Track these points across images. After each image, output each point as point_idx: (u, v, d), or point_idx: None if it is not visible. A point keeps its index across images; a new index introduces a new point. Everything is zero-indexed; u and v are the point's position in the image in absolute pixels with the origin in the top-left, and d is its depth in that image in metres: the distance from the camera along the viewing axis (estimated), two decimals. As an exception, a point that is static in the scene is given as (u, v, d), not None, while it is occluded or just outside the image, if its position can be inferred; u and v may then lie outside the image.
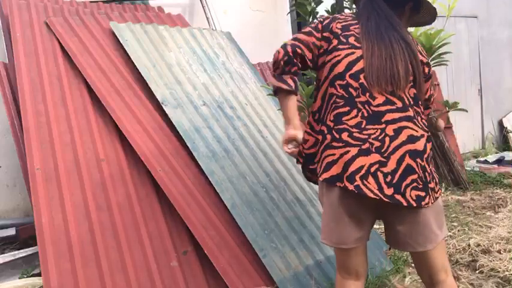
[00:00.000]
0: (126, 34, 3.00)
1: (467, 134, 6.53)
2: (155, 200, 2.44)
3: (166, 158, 2.52)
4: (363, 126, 1.39)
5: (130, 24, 3.10)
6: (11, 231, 3.01)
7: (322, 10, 2.76)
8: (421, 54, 1.53)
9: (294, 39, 1.58)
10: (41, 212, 2.12)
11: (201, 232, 2.28)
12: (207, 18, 4.23)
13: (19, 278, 2.49)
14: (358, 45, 1.46)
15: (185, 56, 3.16)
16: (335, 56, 1.47)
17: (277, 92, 1.62)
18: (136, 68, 2.85)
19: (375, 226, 3.37)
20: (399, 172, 1.35)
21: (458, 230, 3.29)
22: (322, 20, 1.58)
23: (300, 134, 1.61)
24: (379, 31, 1.45)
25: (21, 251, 2.73)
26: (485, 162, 5.76)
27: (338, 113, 1.43)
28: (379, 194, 1.35)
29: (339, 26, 1.51)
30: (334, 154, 1.41)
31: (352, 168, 1.36)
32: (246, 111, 3.10)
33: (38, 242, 2.04)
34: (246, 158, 2.76)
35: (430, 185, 1.39)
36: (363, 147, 1.37)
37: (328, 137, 1.44)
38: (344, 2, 2.77)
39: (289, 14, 4.65)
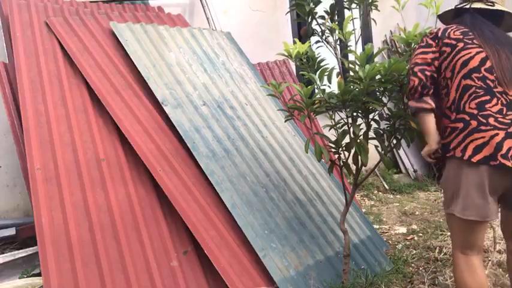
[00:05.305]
0: (126, 34, 3.00)
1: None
2: (155, 200, 2.44)
3: (166, 158, 2.52)
4: (504, 112, 1.65)
5: (130, 24, 3.10)
6: (11, 231, 3.01)
7: (321, 10, 2.76)
8: None
9: (417, 64, 1.83)
10: (41, 212, 2.12)
11: (201, 232, 2.28)
12: (207, 18, 4.23)
13: (19, 278, 2.49)
14: (482, 48, 1.73)
15: (185, 56, 3.17)
16: (466, 54, 1.73)
17: (416, 113, 1.85)
18: (136, 68, 2.85)
19: (375, 226, 3.38)
20: None
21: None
22: (431, 35, 1.85)
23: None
24: (498, 39, 1.76)
25: (21, 251, 2.72)
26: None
27: (480, 101, 1.68)
28: None
29: (457, 33, 1.79)
30: (483, 137, 1.64)
31: (505, 148, 1.61)
32: (246, 111, 3.10)
33: (38, 242, 2.04)
34: (246, 158, 2.76)
35: None
36: (509, 130, 1.63)
37: (474, 122, 1.67)
38: (343, 3, 2.76)
39: (289, 14, 4.65)
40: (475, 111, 1.68)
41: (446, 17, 2.05)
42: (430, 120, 1.82)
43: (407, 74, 1.96)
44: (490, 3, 1.87)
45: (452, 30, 1.82)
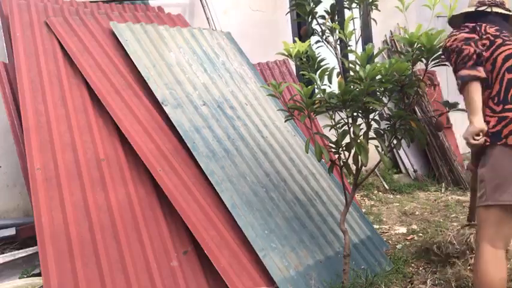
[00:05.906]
0: (126, 34, 3.00)
1: (467, 134, 6.51)
2: (155, 200, 2.44)
3: (166, 158, 2.52)
4: None
5: (130, 24, 3.10)
6: (11, 231, 3.01)
7: (321, 10, 2.76)
8: None
9: (468, 38, 1.82)
10: (41, 212, 2.12)
11: (201, 232, 2.28)
12: (207, 18, 4.23)
13: (19, 278, 2.49)
14: None
15: (185, 56, 3.16)
16: (507, 49, 1.83)
17: (465, 84, 1.78)
18: (136, 68, 2.85)
19: (375, 226, 3.38)
20: None
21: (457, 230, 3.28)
22: (468, 29, 1.88)
23: (485, 126, 1.79)
24: None
25: (21, 251, 2.72)
26: (485, 162, 5.74)
27: None
28: None
29: (492, 29, 1.88)
30: None
31: None
32: (246, 111, 3.10)
33: (38, 242, 2.04)
34: (246, 158, 2.76)
35: None
36: None
37: None
38: (344, 2, 2.76)
39: (289, 14, 4.65)
40: None
41: (455, 21, 2.10)
42: (479, 95, 1.78)
43: (443, 50, 1.94)
44: (507, 9, 2.00)
45: (486, 26, 1.89)
